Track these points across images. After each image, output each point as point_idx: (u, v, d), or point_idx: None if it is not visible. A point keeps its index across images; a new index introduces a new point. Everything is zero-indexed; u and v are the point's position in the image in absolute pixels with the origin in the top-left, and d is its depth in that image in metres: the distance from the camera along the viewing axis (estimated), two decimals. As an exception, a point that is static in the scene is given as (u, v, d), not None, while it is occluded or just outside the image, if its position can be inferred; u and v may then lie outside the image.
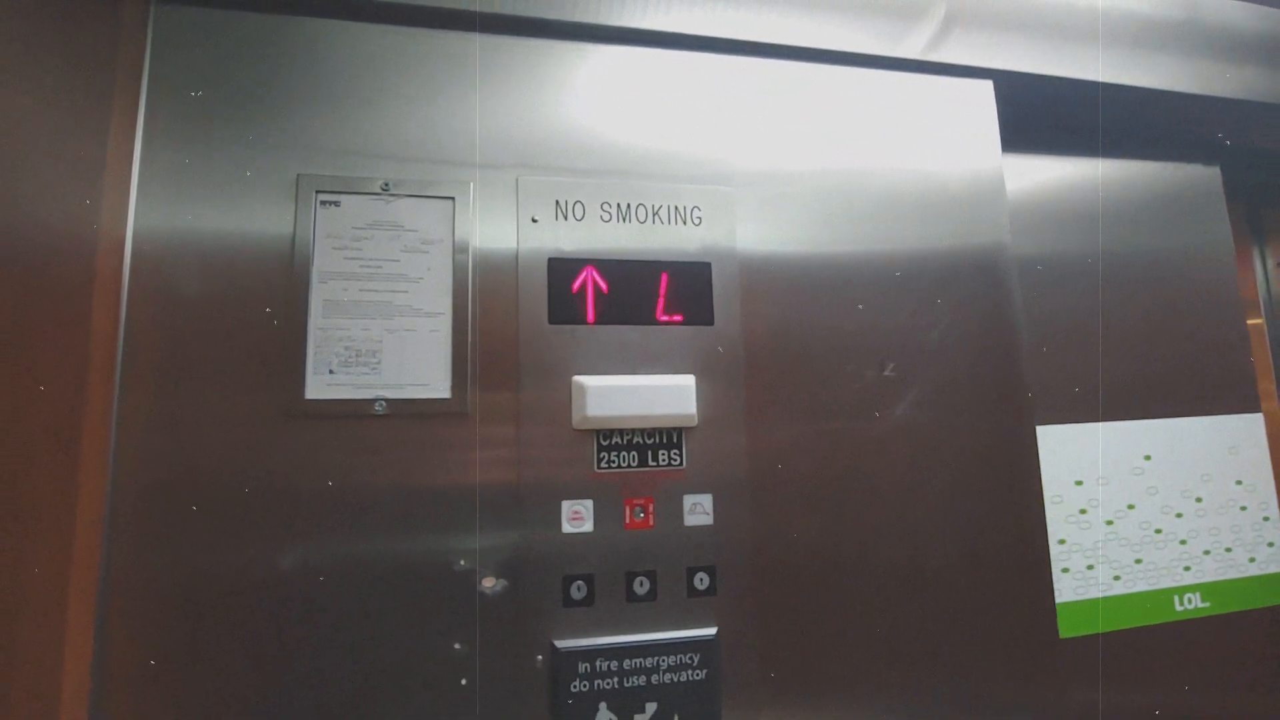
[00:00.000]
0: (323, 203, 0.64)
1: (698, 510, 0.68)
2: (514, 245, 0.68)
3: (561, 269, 0.68)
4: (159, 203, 0.62)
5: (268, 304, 0.62)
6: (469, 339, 0.65)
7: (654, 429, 0.68)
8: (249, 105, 0.65)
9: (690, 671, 0.65)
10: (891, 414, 0.75)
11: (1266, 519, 0.98)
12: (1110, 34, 0.89)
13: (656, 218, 0.72)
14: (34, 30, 0.57)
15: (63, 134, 0.59)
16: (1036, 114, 0.91)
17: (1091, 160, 0.99)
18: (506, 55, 0.71)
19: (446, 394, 0.64)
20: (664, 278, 0.70)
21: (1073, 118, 0.95)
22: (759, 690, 0.67)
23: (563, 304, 0.68)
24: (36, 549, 0.54)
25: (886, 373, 0.75)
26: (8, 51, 0.56)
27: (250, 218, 0.63)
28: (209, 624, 0.57)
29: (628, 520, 0.66)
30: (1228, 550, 0.96)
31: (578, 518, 0.65)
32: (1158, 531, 0.94)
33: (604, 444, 0.67)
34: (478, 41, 0.71)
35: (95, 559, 0.56)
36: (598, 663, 0.63)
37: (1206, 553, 0.95)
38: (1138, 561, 0.92)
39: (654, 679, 0.64)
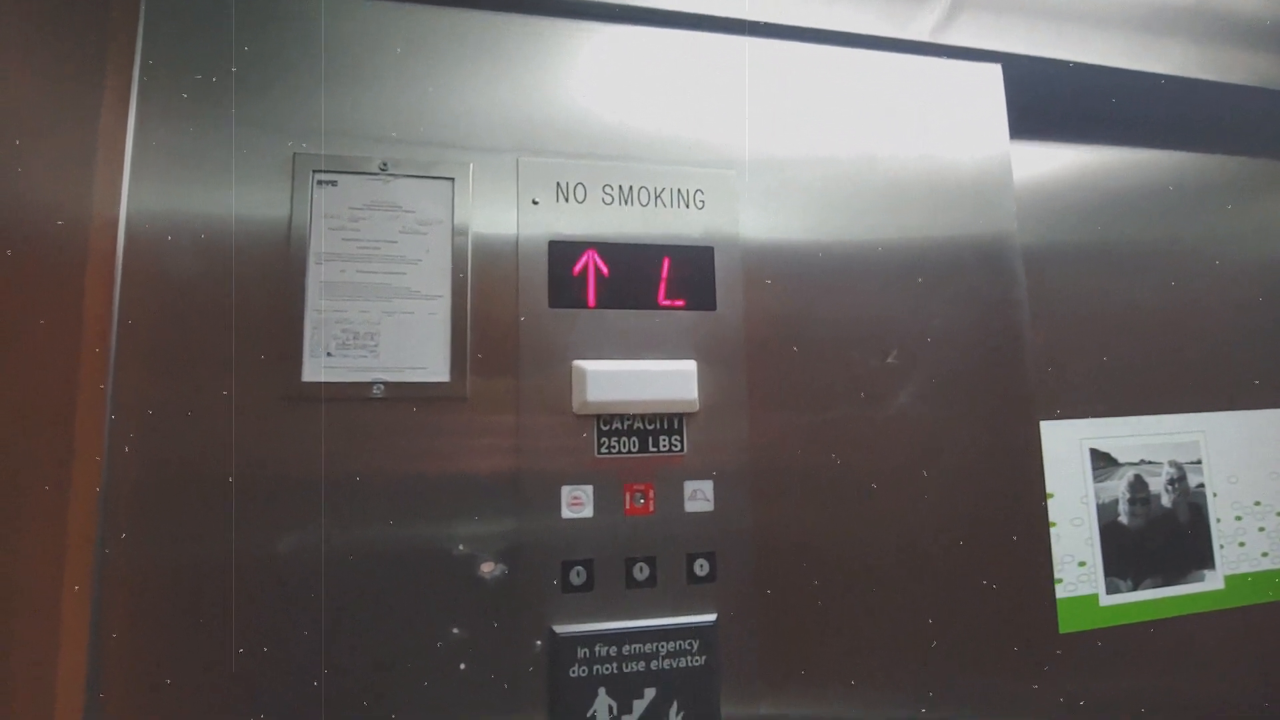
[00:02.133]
0: (319, 182, 0.63)
1: (698, 496, 0.68)
2: (514, 228, 0.67)
3: (562, 252, 0.67)
4: (153, 183, 0.60)
5: (264, 286, 0.61)
6: (468, 322, 0.65)
7: (655, 414, 0.67)
8: (244, 83, 0.63)
9: (689, 658, 0.64)
10: (894, 402, 0.74)
11: None
12: (1122, 18, 0.87)
13: (659, 201, 0.71)
14: (24, 9, 0.56)
15: (54, 114, 0.58)
16: (1046, 99, 0.90)
17: (1101, 147, 0.98)
18: (508, 33, 0.70)
19: (445, 377, 0.63)
20: (666, 262, 0.69)
21: (1083, 103, 0.93)
22: (757, 677, 0.67)
23: (563, 287, 0.67)
24: (31, 537, 0.53)
25: (889, 360, 0.75)
26: (-4, 25, 0.54)
27: (246, 198, 0.62)
28: (206, 610, 0.57)
29: (628, 506, 0.66)
30: None
31: (577, 503, 0.65)
32: None
33: (604, 429, 0.66)
34: (479, 19, 0.69)
35: (90, 546, 0.56)
36: (597, 648, 0.63)
37: None
38: None
39: (653, 665, 0.64)
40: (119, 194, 0.60)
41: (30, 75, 0.56)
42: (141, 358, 0.58)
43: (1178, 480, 0.95)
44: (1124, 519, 0.92)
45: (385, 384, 0.62)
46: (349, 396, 0.62)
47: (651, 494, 0.67)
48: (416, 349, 0.63)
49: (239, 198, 0.62)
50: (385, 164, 0.65)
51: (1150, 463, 0.94)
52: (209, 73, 0.63)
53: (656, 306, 0.69)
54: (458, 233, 0.65)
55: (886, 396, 0.74)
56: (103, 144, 0.60)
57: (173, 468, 0.58)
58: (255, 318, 0.61)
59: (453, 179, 0.66)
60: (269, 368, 0.60)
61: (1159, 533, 0.93)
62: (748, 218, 0.73)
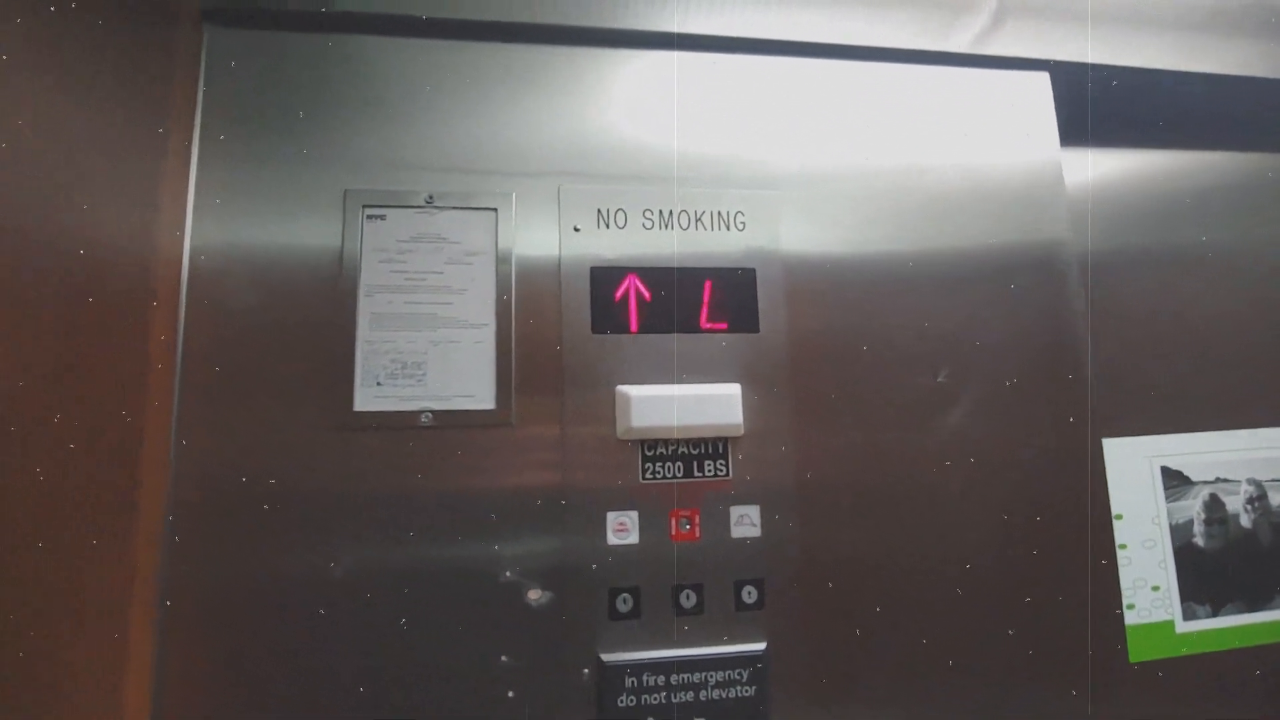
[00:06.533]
0: (369, 217, 0.65)
1: (745, 522, 0.66)
2: (556, 254, 0.68)
3: (604, 277, 0.68)
4: (214, 220, 0.63)
5: (318, 318, 0.63)
6: (512, 349, 0.65)
7: (700, 439, 0.67)
8: (299, 123, 0.66)
9: (739, 688, 0.63)
10: (946, 421, 0.72)
11: None
12: (1175, 18, 0.84)
13: (699, 224, 0.70)
14: (93, 55, 0.59)
15: (122, 155, 0.61)
16: (1098, 104, 0.87)
17: (1161, 151, 0.94)
18: (546, 64, 0.71)
19: (491, 405, 0.64)
20: (708, 284, 0.69)
21: (1138, 107, 0.90)
22: (809, 707, 0.65)
23: (606, 313, 0.67)
24: (97, 561, 0.55)
25: (939, 379, 0.72)
26: (70, 76, 0.58)
27: (301, 233, 0.64)
28: (263, 633, 0.58)
29: (674, 532, 0.65)
30: None
31: (623, 529, 0.65)
32: None
33: (649, 454, 0.66)
34: (518, 52, 0.71)
35: (154, 570, 0.58)
36: (644, 677, 0.62)
37: None
38: None
39: (702, 695, 0.62)
40: (183, 230, 0.63)
41: (99, 117, 0.59)
42: (204, 387, 0.61)
43: (1258, 499, 0.89)
44: (1200, 540, 0.86)
45: (433, 412, 0.63)
46: (398, 425, 0.63)
47: (697, 520, 0.66)
48: (463, 377, 0.64)
49: (294, 233, 0.64)
50: (431, 197, 0.66)
51: (1227, 480, 0.89)
52: (267, 113, 0.66)
53: (699, 330, 0.68)
54: (501, 261, 0.66)
55: (938, 415, 0.72)
56: (167, 182, 0.63)
57: (233, 494, 0.59)
58: (310, 349, 0.63)
59: (496, 209, 0.67)
60: (323, 397, 0.62)
61: (1239, 555, 0.87)
62: (789, 237, 0.72)
